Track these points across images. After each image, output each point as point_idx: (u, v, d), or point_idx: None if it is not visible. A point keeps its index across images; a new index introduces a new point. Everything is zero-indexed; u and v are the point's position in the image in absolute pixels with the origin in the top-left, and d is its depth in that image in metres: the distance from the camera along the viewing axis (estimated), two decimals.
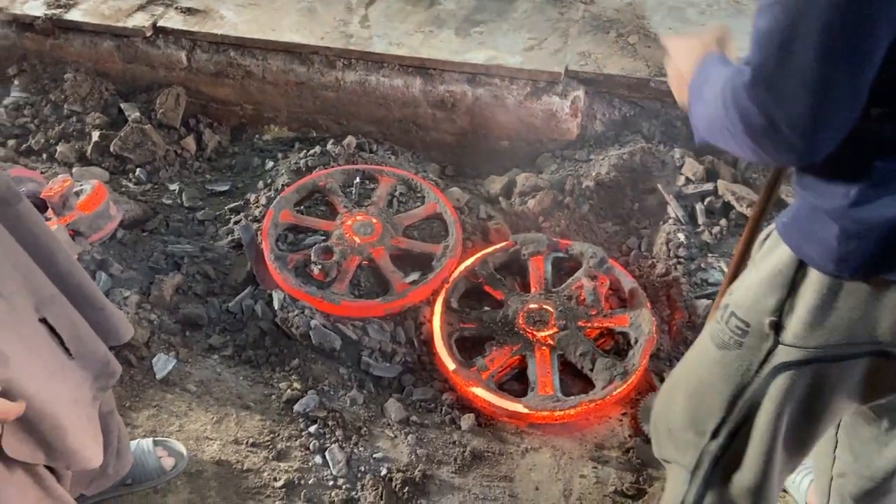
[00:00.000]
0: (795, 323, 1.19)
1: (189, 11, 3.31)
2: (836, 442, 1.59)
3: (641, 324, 2.37)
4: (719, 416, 1.36)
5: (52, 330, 1.32)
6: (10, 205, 1.30)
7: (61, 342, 1.34)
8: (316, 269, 2.50)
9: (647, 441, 2.15)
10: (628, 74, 2.97)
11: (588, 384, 2.30)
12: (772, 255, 1.22)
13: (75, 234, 2.53)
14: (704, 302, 2.49)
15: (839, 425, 1.56)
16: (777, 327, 1.21)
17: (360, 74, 3.13)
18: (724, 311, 1.31)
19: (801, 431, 1.33)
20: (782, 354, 1.23)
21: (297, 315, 2.38)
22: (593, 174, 2.88)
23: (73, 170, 3.03)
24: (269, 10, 3.33)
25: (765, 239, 1.29)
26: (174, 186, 3.08)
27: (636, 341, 2.35)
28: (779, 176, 1.46)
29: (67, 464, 1.31)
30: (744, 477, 1.40)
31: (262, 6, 3.35)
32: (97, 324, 1.46)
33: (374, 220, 2.69)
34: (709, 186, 2.83)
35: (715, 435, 1.39)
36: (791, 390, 1.25)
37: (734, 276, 1.61)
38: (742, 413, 1.33)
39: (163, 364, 2.27)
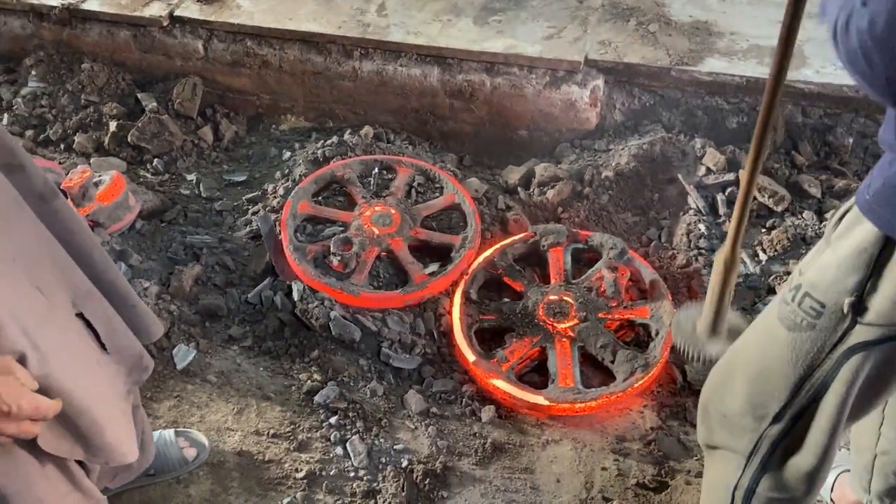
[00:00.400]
0: (879, 301, 1.15)
1: (206, 0, 3.30)
2: (883, 419, 1.56)
3: (662, 315, 2.36)
4: (784, 398, 1.34)
5: (87, 324, 1.32)
6: (47, 201, 1.30)
7: (97, 337, 1.34)
8: (335, 261, 2.49)
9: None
10: (649, 63, 2.93)
11: (609, 376, 2.29)
12: (852, 233, 1.18)
13: (95, 224, 2.54)
14: None
15: (887, 402, 1.54)
16: (857, 307, 1.18)
17: (378, 64, 3.11)
18: (797, 291, 1.27)
19: (862, 407, 1.32)
20: (859, 334, 1.20)
21: (316, 306, 2.38)
22: (613, 164, 2.85)
23: (91, 160, 3.04)
24: None
25: (840, 217, 1.23)
26: (192, 177, 3.08)
27: (657, 333, 2.34)
28: (766, 125, 1.41)
29: (106, 460, 1.31)
30: (803, 460, 1.38)
31: None
32: (129, 321, 1.47)
33: (393, 211, 2.68)
34: (730, 177, 2.80)
35: (777, 419, 1.37)
36: (863, 369, 1.23)
37: (736, 235, 1.57)
38: (808, 395, 1.31)
39: (183, 355, 2.28)
